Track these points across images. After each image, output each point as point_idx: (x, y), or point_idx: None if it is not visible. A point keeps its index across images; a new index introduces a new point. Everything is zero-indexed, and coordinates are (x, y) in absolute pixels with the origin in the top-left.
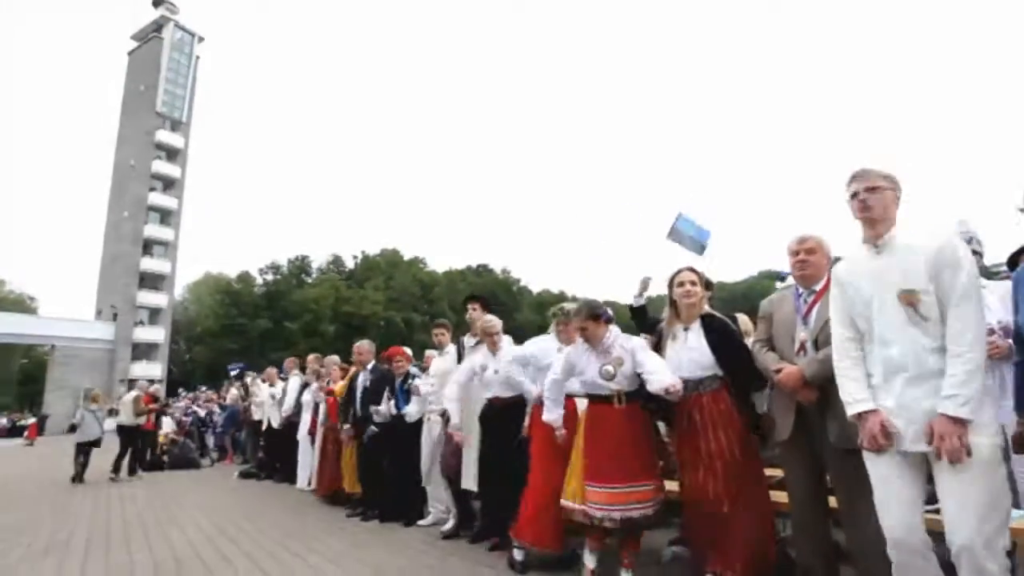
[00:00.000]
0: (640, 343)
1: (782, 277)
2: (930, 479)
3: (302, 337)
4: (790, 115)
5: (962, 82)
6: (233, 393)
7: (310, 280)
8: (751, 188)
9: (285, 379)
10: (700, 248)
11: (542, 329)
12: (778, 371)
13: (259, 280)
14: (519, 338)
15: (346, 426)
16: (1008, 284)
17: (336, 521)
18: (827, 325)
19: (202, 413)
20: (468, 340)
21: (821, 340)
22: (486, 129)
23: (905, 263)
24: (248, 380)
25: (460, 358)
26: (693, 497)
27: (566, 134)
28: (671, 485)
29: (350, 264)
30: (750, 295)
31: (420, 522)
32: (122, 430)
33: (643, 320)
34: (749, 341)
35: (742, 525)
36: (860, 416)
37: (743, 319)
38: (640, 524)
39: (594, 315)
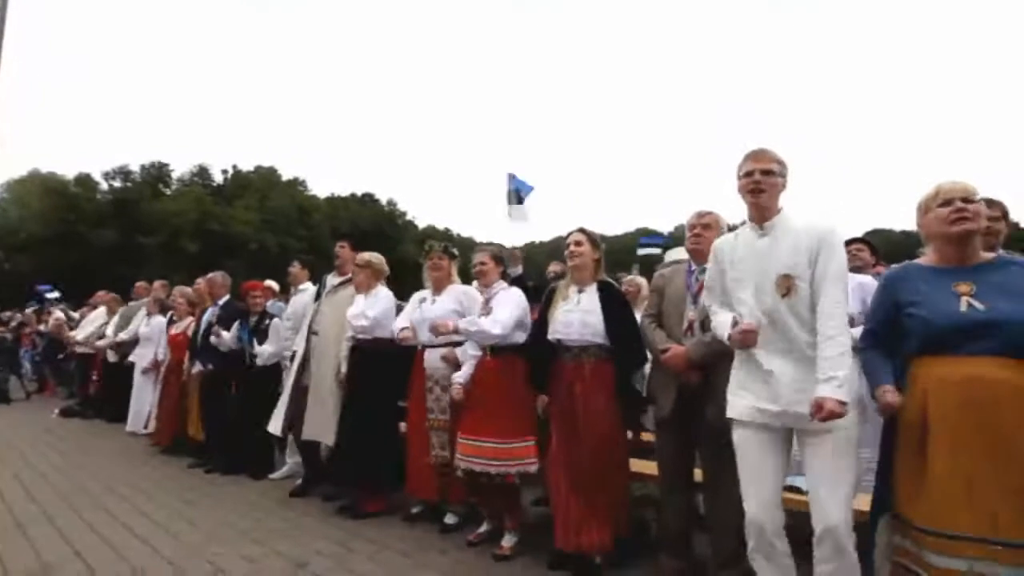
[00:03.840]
0: (508, 297)
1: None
2: None
3: (159, 254)
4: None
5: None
6: (57, 317)
7: (169, 192)
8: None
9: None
10: (518, 199)
11: (422, 265)
12: (664, 351)
13: (104, 185)
14: (400, 272)
15: (195, 366)
16: (858, 278)
17: (173, 472)
18: None
19: (8, 337)
20: (331, 279)
21: (707, 322)
22: (378, 46)
23: (786, 248)
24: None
25: (319, 297)
26: (559, 468)
27: (464, 62)
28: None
29: (219, 178)
30: (629, 249)
31: (272, 475)
32: None
33: (525, 289)
34: (641, 308)
35: (604, 498)
36: (731, 334)
37: (640, 280)
38: (507, 483)
39: (448, 252)
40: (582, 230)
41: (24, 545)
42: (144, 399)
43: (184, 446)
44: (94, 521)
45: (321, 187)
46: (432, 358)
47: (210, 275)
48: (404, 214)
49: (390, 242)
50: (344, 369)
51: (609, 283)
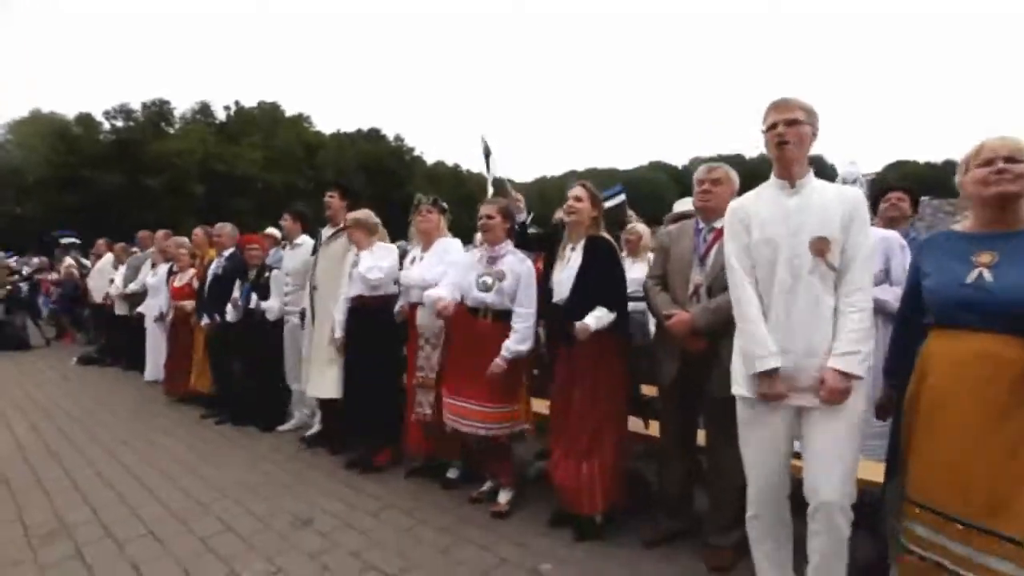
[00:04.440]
0: (528, 273)
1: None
2: None
3: (166, 197)
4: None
5: None
6: (68, 264)
7: (172, 131)
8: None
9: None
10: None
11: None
12: (668, 317)
13: (106, 125)
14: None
15: (203, 319)
16: (880, 232)
17: (184, 423)
18: (724, 271)
19: (24, 289)
20: (325, 231)
21: (716, 287)
22: None
23: (820, 209)
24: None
25: (315, 251)
26: (557, 426)
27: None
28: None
29: (221, 115)
30: (641, 183)
31: (280, 427)
32: None
33: (527, 239)
34: (645, 258)
35: (601, 462)
36: (768, 372)
37: (645, 229)
38: (496, 443)
39: (438, 206)
40: (583, 185)
41: (43, 501)
42: (160, 348)
43: (197, 397)
44: (109, 475)
45: (326, 123)
46: (423, 315)
47: (219, 225)
48: (412, 150)
49: (398, 179)
50: (339, 329)
51: (598, 237)
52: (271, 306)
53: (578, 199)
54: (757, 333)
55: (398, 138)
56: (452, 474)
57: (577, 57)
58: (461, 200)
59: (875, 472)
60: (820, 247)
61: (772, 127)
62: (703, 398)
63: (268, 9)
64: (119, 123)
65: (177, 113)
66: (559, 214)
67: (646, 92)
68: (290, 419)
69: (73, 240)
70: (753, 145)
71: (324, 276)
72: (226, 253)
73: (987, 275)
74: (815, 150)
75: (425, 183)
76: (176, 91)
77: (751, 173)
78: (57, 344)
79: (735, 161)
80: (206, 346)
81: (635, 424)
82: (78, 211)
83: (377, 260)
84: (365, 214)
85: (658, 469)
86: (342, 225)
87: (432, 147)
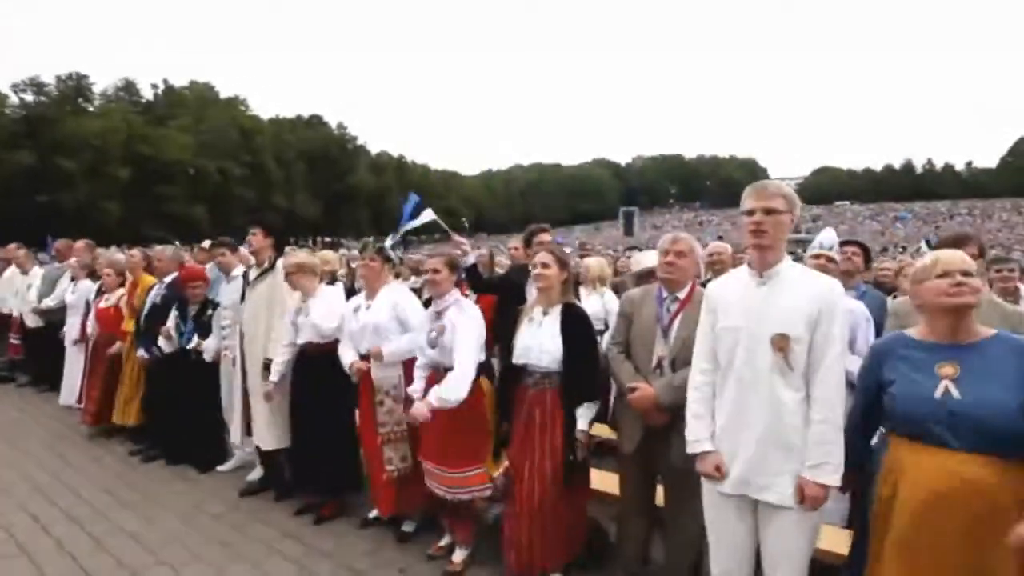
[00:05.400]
0: (468, 321)
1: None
2: None
3: (84, 180)
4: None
5: None
6: None
7: (91, 108)
8: (593, 71)
9: (47, 263)
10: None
11: (376, 195)
12: (632, 390)
13: (13, 99)
14: (353, 201)
15: (139, 351)
16: (847, 304)
17: (110, 463)
18: (687, 343)
19: None
20: (252, 272)
21: (679, 360)
22: None
23: (786, 304)
24: None
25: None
26: (516, 496)
27: None
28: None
29: (148, 94)
30: (585, 180)
31: (219, 467)
32: None
33: (476, 279)
34: (600, 292)
35: (561, 522)
36: (698, 455)
37: (597, 263)
38: (468, 506)
39: (382, 254)
40: (551, 251)
41: None
42: (76, 371)
43: (120, 428)
44: (23, 537)
45: (264, 108)
46: (378, 369)
47: (159, 248)
48: (355, 139)
49: (340, 168)
50: (276, 375)
51: (572, 306)
52: (208, 346)
53: (545, 265)
54: (690, 422)
55: (341, 126)
56: (408, 527)
57: (524, 51)
58: (403, 191)
59: (832, 540)
60: (781, 344)
61: (750, 212)
62: (664, 466)
63: None
64: (28, 97)
65: (97, 89)
66: (513, 248)
67: (592, 88)
68: (229, 458)
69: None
70: (693, 146)
71: (252, 321)
72: (167, 279)
73: (953, 390)
74: (749, 152)
75: (368, 173)
76: (96, 66)
77: (692, 174)
78: None
79: (675, 161)
80: (138, 377)
81: (595, 480)
82: None
83: (329, 307)
84: (307, 258)
85: (617, 526)
86: (267, 265)
87: (376, 136)
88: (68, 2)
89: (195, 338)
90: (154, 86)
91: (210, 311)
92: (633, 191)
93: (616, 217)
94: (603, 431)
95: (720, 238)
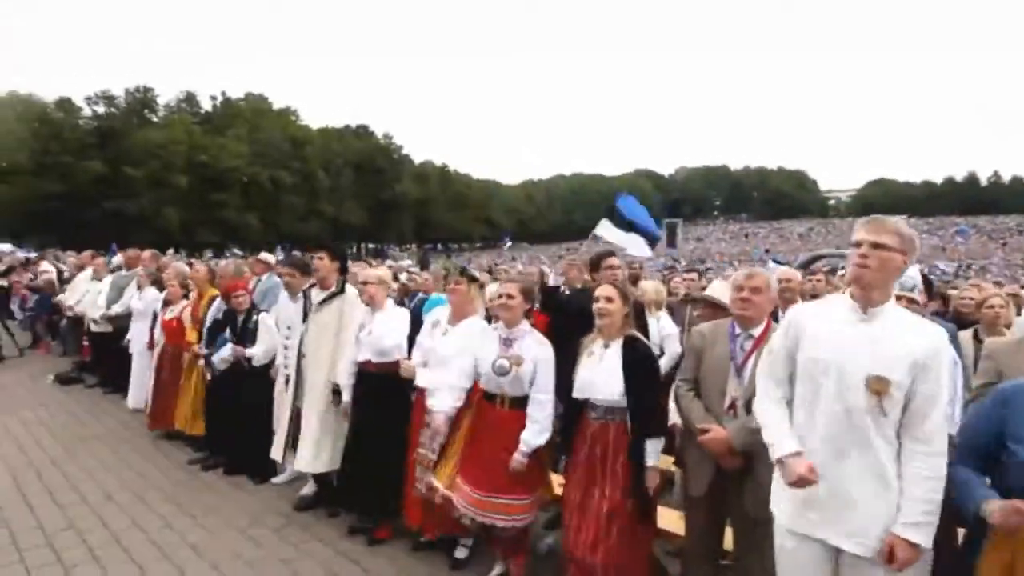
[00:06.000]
0: (547, 359)
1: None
2: None
3: (147, 187)
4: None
5: None
6: (46, 272)
7: (156, 119)
8: (636, 81)
9: (115, 270)
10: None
11: (420, 203)
12: (703, 431)
13: (87, 111)
14: (397, 211)
15: (202, 363)
16: None
17: (171, 470)
18: None
19: None
20: (316, 294)
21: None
22: None
23: (890, 346)
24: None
25: (305, 315)
26: (570, 540)
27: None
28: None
29: (207, 105)
30: (627, 190)
31: (274, 479)
32: None
33: (547, 299)
34: (656, 315)
35: (623, 560)
36: (784, 460)
37: (653, 286)
38: (507, 532)
39: (469, 276)
40: (613, 284)
41: (20, 571)
42: (142, 375)
43: (182, 434)
44: (93, 542)
45: (314, 118)
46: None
47: (222, 264)
48: (400, 148)
49: (386, 177)
50: (347, 394)
51: (635, 339)
52: (255, 352)
53: (608, 299)
54: (772, 427)
55: (387, 136)
56: (460, 554)
57: (566, 61)
58: (448, 200)
59: None
60: (877, 387)
61: (857, 244)
62: (735, 513)
63: (259, 3)
64: (100, 109)
65: (161, 101)
66: (568, 268)
67: (635, 98)
68: (283, 471)
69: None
70: (738, 157)
71: (315, 344)
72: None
73: None
74: (798, 164)
75: (413, 182)
76: (161, 79)
77: (737, 185)
78: (31, 353)
79: (720, 172)
80: (200, 387)
81: (662, 518)
82: (57, 197)
83: (391, 325)
84: (385, 272)
85: (681, 570)
86: (335, 289)
87: (420, 146)
88: (136, 17)
89: (227, 349)
90: (212, 98)
91: (255, 317)
92: (676, 202)
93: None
94: (665, 462)
95: (767, 251)
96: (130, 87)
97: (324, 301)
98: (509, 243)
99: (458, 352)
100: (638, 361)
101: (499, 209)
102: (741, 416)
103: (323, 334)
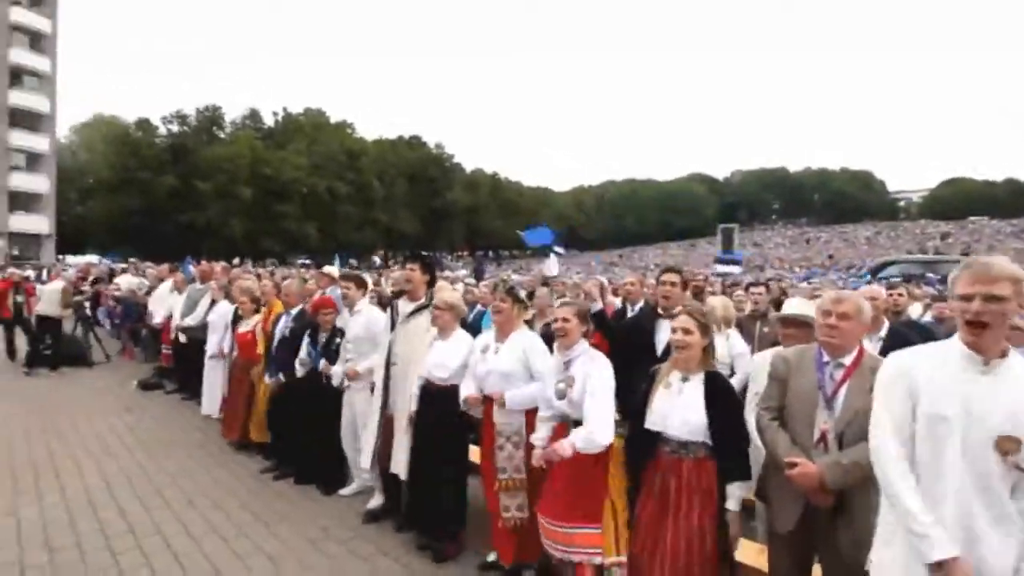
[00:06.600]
0: (601, 371)
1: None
2: None
3: (215, 200)
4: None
5: None
6: (129, 282)
7: (223, 135)
8: (688, 82)
9: (191, 282)
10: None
11: (471, 211)
12: (791, 465)
13: (162, 130)
14: (448, 219)
15: (267, 377)
16: None
17: (244, 478)
18: (858, 417)
19: (87, 305)
20: (404, 305)
21: (848, 436)
22: None
23: (1015, 398)
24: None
25: (393, 324)
26: (646, 570)
27: (512, 9)
28: None
29: (269, 121)
30: (680, 195)
31: (342, 491)
32: (43, 321)
33: (604, 327)
34: (725, 333)
35: None
36: (941, 564)
37: (721, 302)
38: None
39: (514, 296)
40: (690, 313)
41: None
42: (216, 384)
43: (257, 444)
44: (177, 547)
45: (368, 129)
46: (501, 412)
47: (287, 282)
48: (451, 157)
49: (438, 185)
50: (414, 404)
51: (717, 375)
52: (337, 372)
53: (687, 331)
54: (919, 518)
55: (439, 145)
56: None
57: (617, 65)
58: (499, 207)
59: None
60: (1007, 447)
61: (966, 298)
62: (826, 553)
63: (317, 20)
64: (174, 128)
65: (228, 118)
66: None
67: (688, 101)
68: (350, 482)
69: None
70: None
71: (404, 353)
72: (293, 312)
73: None
74: (863, 164)
75: (464, 190)
76: (227, 97)
77: (797, 188)
78: (117, 359)
79: (778, 175)
80: (269, 400)
81: (742, 552)
82: (138, 212)
83: (449, 355)
84: (458, 299)
85: None
86: (424, 301)
87: (472, 154)
88: (205, 38)
89: (323, 362)
90: (275, 113)
91: (338, 339)
92: (731, 206)
93: (714, 234)
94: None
95: (831, 257)
96: (200, 106)
97: (414, 312)
98: (559, 252)
99: (509, 366)
100: (722, 399)
101: (549, 216)
102: (833, 450)
103: (413, 344)
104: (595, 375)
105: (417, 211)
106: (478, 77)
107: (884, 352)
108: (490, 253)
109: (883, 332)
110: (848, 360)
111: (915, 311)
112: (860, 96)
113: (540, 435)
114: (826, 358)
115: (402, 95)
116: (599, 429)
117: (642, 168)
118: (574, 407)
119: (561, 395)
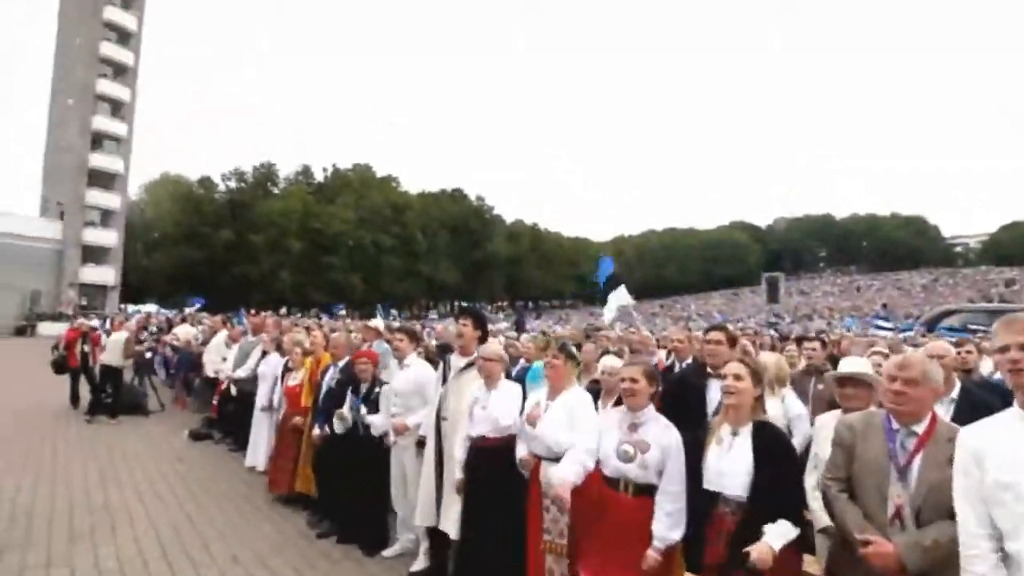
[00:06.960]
0: (677, 447)
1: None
2: None
3: (267, 252)
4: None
5: None
6: (187, 332)
7: (276, 190)
8: (725, 131)
9: (244, 334)
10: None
11: (511, 262)
12: (865, 543)
13: (221, 186)
14: (489, 270)
15: (316, 430)
16: None
17: (289, 535)
18: (936, 490)
19: (147, 354)
20: (456, 360)
21: (925, 511)
22: (470, 52)
23: None
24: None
25: (445, 378)
26: None
27: (551, 62)
28: None
29: (319, 176)
30: (722, 244)
31: (385, 552)
32: (106, 371)
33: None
34: (780, 395)
35: None
36: None
37: (774, 360)
38: None
39: (568, 353)
40: (742, 361)
41: None
42: (262, 437)
43: (299, 497)
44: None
45: (412, 183)
46: (548, 472)
47: (334, 336)
48: (492, 208)
49: (479, 238)
50: (459, 470)
51: (767, 425)
52: (375, 421)
53: (738, 377)
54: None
55: (479, 198)
56: None
57: (654, 113)
58: (539, 258)
59: None
60: None
61: (1004, 349)
62: None
63: (366, 79)
64: (232, 184)
65: (281, 175)
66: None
67: (726, 148)
68: (394, 543)
69: (198, 307)
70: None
71: (455, 409)
72: (340, 364)
73: None
74: (915, 208)
75: (505, 241)
76: (281, 154)
77: (844, 235)
78: (171, 408)
79: (823, 222)
80: (315, 453)
81: None
82: (197, 263)
83: (507, 401)
84: (503, 352)
85: None
86: (475, 356)
87: (511, 205)
88: (261, 100)
89: (363, 409)
90: (324, 169)
91: (377, 389)
92: (775, 254)
93: (758, 283)
94: (812, 567)
95: (884, 306)
96: (257, 164)
97: (466, 367)
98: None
99: (558, 427)
100: (771, 447)
101: (589, 267)
102: (909, 527)
103: (464, 399)
104: (676, 454)
105: (458, 262)
106: (519, 130)
107: (957, 416)
108: (529, 304)
109: (955, 393)
110: (920, 428)
111: (986, 367)
112: (908, 142)
113: (569, 475)
114: (895, 425)
115: (445, 149)
116: (677, 524)
117: (683, 217)
118: (649, 474)
119: (627, 458)
